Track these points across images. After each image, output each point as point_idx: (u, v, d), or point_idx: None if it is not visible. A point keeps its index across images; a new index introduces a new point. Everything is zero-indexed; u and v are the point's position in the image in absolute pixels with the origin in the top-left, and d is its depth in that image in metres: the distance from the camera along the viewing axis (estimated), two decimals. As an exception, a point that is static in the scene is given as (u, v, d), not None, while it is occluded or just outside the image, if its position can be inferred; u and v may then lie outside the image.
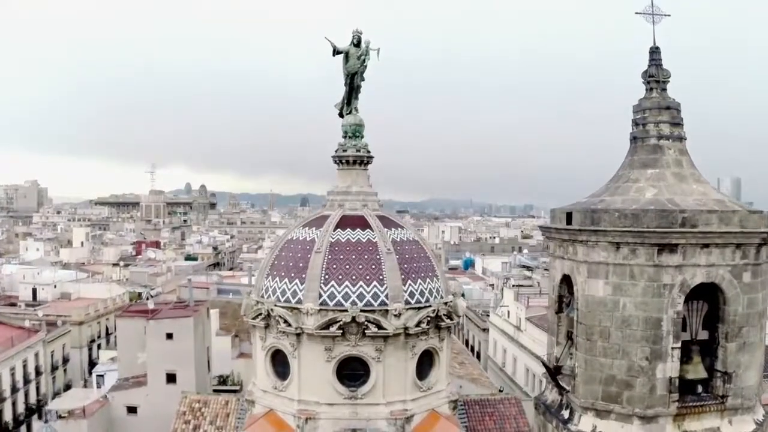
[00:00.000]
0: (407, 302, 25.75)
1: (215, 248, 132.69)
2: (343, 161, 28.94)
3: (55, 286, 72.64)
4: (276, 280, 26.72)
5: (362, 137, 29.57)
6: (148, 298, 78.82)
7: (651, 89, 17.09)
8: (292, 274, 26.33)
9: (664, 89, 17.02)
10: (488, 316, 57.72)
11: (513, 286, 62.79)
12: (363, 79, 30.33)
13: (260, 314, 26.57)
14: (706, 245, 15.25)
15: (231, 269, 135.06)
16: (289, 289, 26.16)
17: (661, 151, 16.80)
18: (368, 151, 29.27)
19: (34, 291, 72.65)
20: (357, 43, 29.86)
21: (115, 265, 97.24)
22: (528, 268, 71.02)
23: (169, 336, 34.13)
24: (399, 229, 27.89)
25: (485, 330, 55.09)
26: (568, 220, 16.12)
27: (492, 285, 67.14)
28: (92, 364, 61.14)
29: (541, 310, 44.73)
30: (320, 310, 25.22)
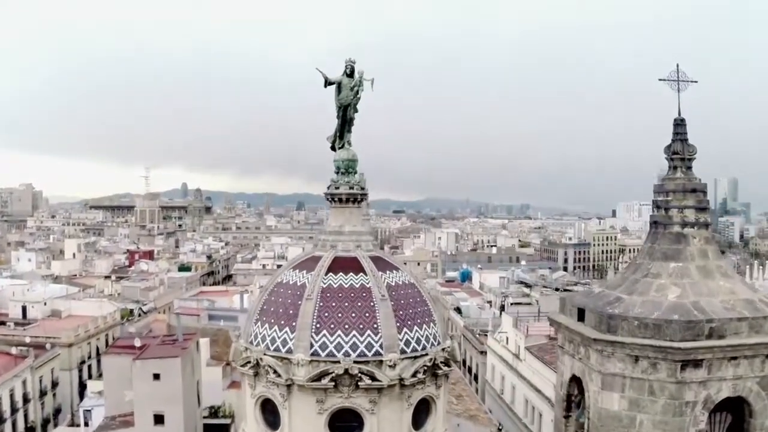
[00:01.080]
0: (403, 351, 24.62)
1: (209, 257, 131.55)
2: (336, 199, 27.77)
3: (45, 304, 71.36)
4: (265, 327, 25.58)
5: (355, 173, 28.40)
6: (139, 315, 77.99)
7: (675, 168, 15.43)
8: (282, 322, 25.19)
9: (690, 167, 15.40)
10: (486, 335, 56.55)
11: (511, 304, 61.83)
12: (356, 111, 29.17)
13: (249, 362, 25.54)
14: (734, 357, 13.68)
15: (226, 278, 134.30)
16: (278, 338, 25.02)
17: (685, 240, 15.22)
18: (362, 188, 28.11)
19: (24, 309, 71.42)
20: (350, 73, 28.65)
21: (107, 277, 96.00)
22: (527, 285, 69.97)
23: (156, 377, 32.94)
24: (394, 271, 26.71)
25: (483, 353, 53.89)
26: (580, 316, 14.66)
27: (489, 302, 66.03)
28: (82, 386, 59.96)
29: (541, 338, 43.63)
30: (311, 361, 24.12)
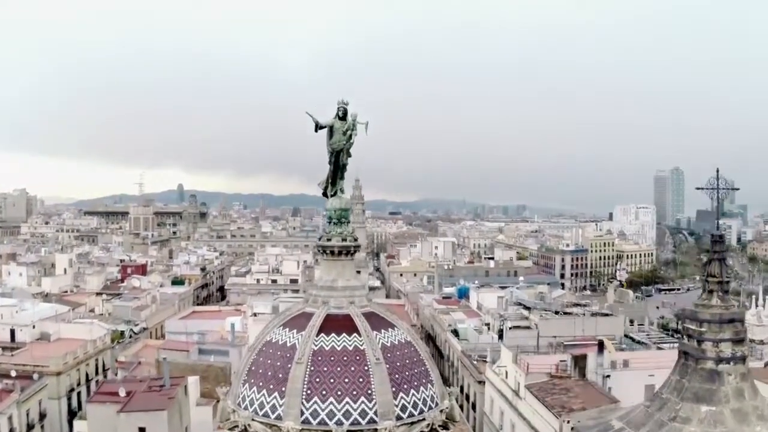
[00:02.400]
0: (399, 417, 23.43)
1: (203, 269, 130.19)
2: (328, 251, 26.45)
3: (33, 327, 69.79)
4: (254, 389, 24.29)
5: (348, 222, 27.17)
6: (130, 337, 76.55)
7: (710, 292, 13.75)
8: (271, 386, 23.90)
9: (727, 291, 13.79)
10: (485, 362, 55.22)
11: (510, 328, 60.55)
12: (350, 156, 27.90)
13: (236, 426, 24.28)
14: None
15: (220, 289, 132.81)
16: (267, 403, 23.76)
17: (719, 379, 13.69)
18: (355, 239, 26.84)
19: (12, 332, 69.86)
20: (342, 116, 27.37)
21: (99, 294, 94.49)
22: (526, 307, 68.74)
23: (142, 430, 31.57)
24: (389, 329, 25.38)
25: (481, 382, 52.53)
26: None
27: (488, 324, 64.72)
28: (72, 414, 58.53)
29: (542, 376, 42.37)
30: (302, 429, 22.90)
